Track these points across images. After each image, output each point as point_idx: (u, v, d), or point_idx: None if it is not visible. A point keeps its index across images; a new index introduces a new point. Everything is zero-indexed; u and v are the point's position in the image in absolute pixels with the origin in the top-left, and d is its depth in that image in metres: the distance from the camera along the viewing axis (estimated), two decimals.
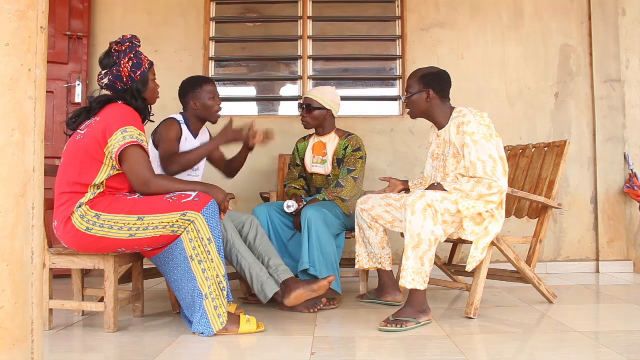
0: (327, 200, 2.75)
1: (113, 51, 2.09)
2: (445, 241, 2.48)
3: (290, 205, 2.74)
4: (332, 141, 2.92)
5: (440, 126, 2.44)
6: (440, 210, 2.16)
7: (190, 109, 2.55)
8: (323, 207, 2.65)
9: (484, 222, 2.27)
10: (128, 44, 2.09)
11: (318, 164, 2.94)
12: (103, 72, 2.10)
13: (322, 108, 2.86)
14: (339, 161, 2.88)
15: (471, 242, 2.29)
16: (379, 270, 2.62)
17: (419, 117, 2.49)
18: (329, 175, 2.91)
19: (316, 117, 2.88)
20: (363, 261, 2.63)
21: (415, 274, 2.13)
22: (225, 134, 2.42)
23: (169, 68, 3.58)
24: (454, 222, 2.25)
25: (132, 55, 2.09)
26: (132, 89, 2.08)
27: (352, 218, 2.78)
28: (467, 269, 2.29)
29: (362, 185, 2.89)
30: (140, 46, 2.15)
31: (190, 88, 2.54)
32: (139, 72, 2.09)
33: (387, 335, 2.02)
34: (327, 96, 2.88)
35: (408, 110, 2.49)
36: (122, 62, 2.06)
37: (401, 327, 2.07)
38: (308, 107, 2.87)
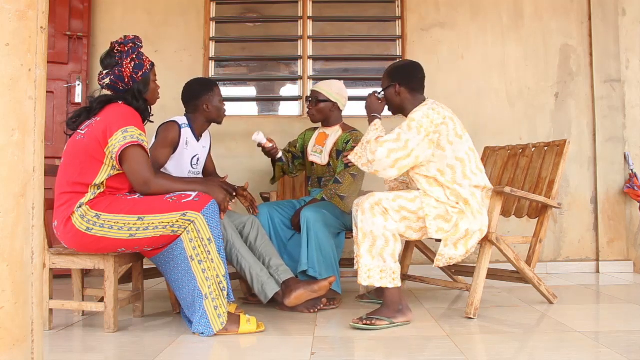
0: (326, 199, 2.75)
1: (115, 51, 2.09)
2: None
3: (260, 135, 2.73)
4: (334, 133, 2.93)
5: None
6: (394, 207, 2.16)
7: (201, 111, 2.54)
8: (322, 208, 2.65)
9: (453, 219, 2.20)
10: (131, 44, 2.10)
11: (316, 154, 2.95)
12: (104, 72, 2.09)
13: (328, 100, 2.88)
14: (338, 153, 2.88)
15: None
16: None
17: (398, 113, 2.45)
18: (328, 164, 2.92)
19: (322, 110, 2.90)
20: None
21: (380, 272, 2.12)
22: (218, 185, 2.30)
23: (169, 68, 3.58)
24: (419, 219, 2.20)
25: (135, 56, 2.09)
26: (133, 90, 2.08)
27: (351, 217, 2.78)
28: (434, 265, 2.25)
29: (362, 183, 2.89)
30: (142, 47, 2.15)
31: (204, 91, 2.53)
32: (140, 73, 2.09)
33: (386, 334, 2.02)
34: (333, 89, 2.90)
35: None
36: (124, 62, 2.06)
37: (371, 324, 2.07)
38: (314, 99, 2.90)
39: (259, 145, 2.78)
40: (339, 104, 2.91)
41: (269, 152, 2.83)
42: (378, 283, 2.13)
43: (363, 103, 3.78)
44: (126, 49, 2.08)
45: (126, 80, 2.07)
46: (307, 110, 2.95)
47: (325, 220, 2.61)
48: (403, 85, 2.36)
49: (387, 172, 2.17)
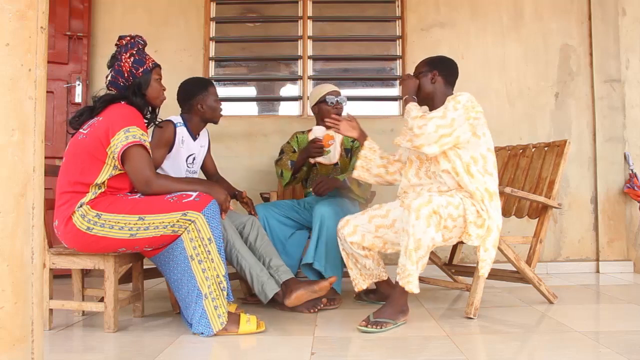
0: (347, 182, 2.73)
1: (116, 47, 2.11)
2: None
3: (321, 129, 2.74)
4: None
5: None
6: (444, 216, 2.12)
7: (195, 111, 2.54)
8: (337, 205, 2.65)
9: (485, 223, 2.21)
10: (128, 38, 2.13)
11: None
12: (109, 71, 2.13)
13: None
14: (346, 151, 2.90)
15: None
16: (377, 282, 2.59)
17: (423, 102, 2.42)
18: (336, 164, 2.92)
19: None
20: (360, 283, 2.52)
21: (408, 276, 2.10)
22: (219, 185, 2.27)
23: (169, 68, 3.54)
24: (454, 227, 2.19)
25: (134, 52, 2.10)
26: (133, 85, 2.09)
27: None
28: (481, 274, 2.23)
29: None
30: (145, 45, 2.16)
31: (198, 91, 2.53)
32: (141, 69, 2.10)
33: (386, 335, 2.02)
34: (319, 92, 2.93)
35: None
36: (123, 57, 2.08)
37: (380, 328, 2.07)
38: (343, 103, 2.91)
39: (315, 140, 2.70)
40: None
41: (319, 151, 2.72)
42: (407, 286, 2.10)
43: (363, 103, 3.86)
44: (124, 42, 2.11)
45: (126, 75, 2.08)
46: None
47: (339, 219, 2.60)
48: (441, 74, 2.39)
49: (431, 147, 2.16)
